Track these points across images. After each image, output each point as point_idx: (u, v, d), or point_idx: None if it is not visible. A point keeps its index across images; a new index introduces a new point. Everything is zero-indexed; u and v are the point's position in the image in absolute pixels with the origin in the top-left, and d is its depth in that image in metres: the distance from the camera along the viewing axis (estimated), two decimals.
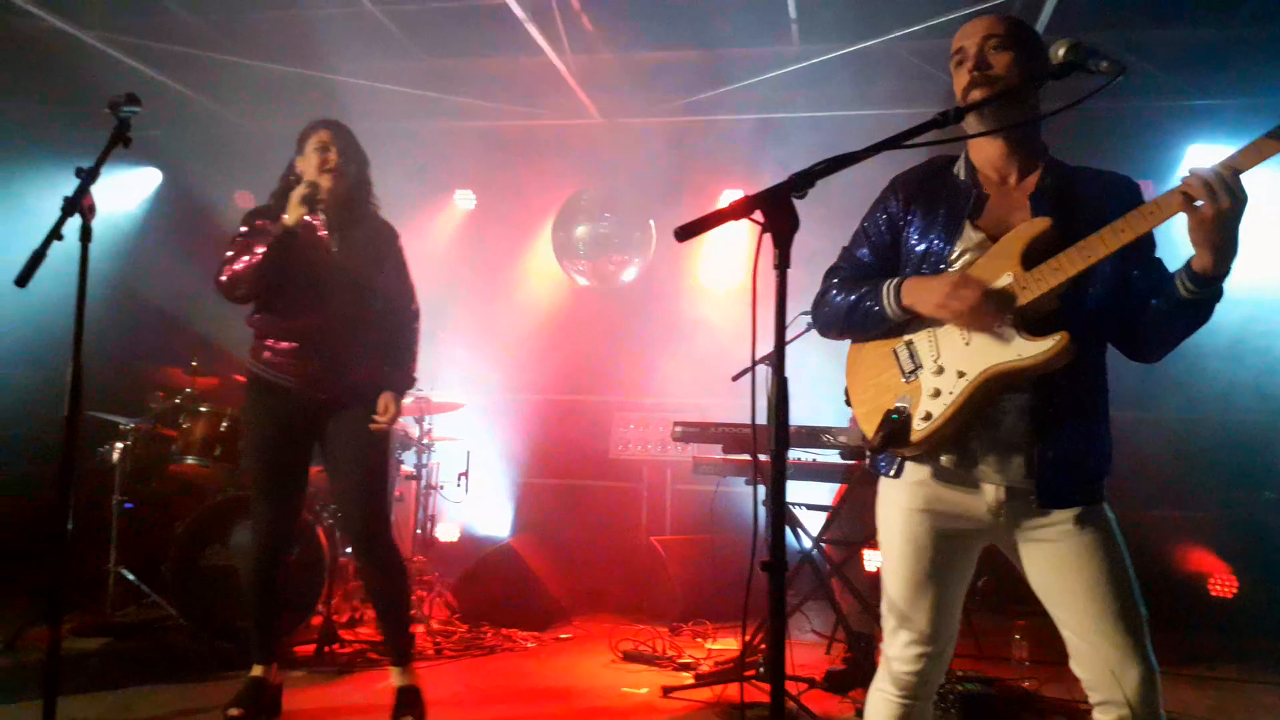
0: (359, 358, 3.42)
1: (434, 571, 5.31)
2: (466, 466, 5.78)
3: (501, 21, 5.20)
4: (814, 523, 4.51)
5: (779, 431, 1.44)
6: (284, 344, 3.36)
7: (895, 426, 1.94)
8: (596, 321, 6.68)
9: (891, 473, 2.05)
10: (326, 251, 3.40)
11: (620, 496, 6.58)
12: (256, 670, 3.37)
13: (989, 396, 1.91)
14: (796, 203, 1.57)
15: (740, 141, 6.18)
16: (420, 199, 6.63)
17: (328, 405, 3.39)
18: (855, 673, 3.95)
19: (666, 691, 3.86)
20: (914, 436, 1.94)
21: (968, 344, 1.93)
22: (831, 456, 4.42)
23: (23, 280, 2.02)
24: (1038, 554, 1.96)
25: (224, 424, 4.67)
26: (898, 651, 2.03)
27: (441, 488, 5.69)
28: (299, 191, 3.24)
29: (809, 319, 4.14)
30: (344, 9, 5.34)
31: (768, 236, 1.53)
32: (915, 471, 2.02)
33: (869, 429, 2.01)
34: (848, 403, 2.14)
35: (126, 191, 7.09)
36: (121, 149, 2.34)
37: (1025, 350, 1.86)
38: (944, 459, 1.97)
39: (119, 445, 4.78)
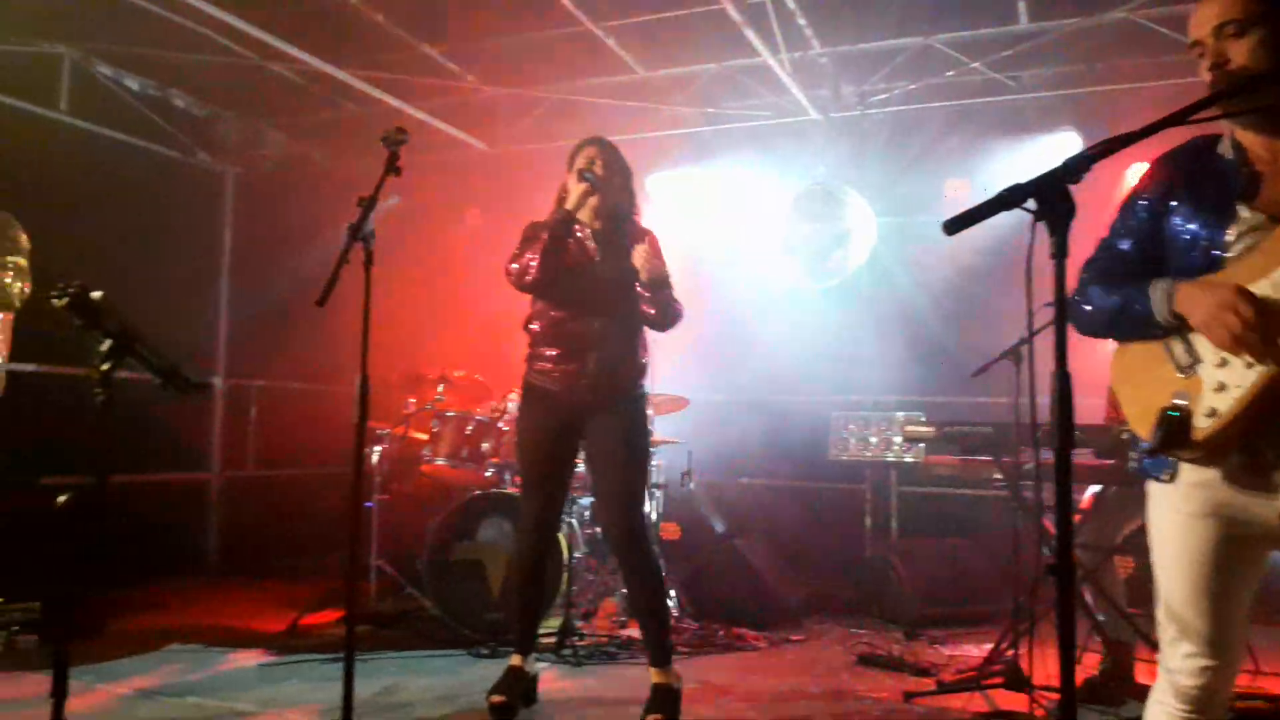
0: (622, 361, 3.53)
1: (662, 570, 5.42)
2: (688, 465, 5.86)
3: (716, 27, 5.27)
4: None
5: (1063, 430, 1.38)
6: (551, 350, 3.53)
7: (1174, 425, 1.78)
8: (816, 319, 6.60)
9: (1164, 477, 1.89)
10: (591, 261, 3.56)
11: (841, 498, 6.49)
12: (515, 660, 3.54)
13: None
14: None
15: (963, 127, 5.95)
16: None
17: (591, 408, 3.49)
18: (1110, 684, 3.73)
19: (908, 697, 3.77)
20: (1197, 435, 1.78)
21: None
22: (1080, 455, 4.16)
23: (322, 301, 2.23)
24: None
25: (470, 428, 4.97)
26: (1179, 664, 1.89)
27: (665, 486, 5.80)
28: (576, 182, 3.44)
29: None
30: (566, 29, 5.55)
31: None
32: (1193, 474, 1.85)
33: (1142, 430, 1.86)
34: (1112, 404, 2.01)
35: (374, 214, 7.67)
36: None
37: None
38: (1233, 459, 1.79)
39: (376, 449, 5.18)
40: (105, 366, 2.10)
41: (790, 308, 6.74)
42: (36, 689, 3.61)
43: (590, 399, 3.49)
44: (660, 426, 5.70)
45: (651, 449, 3.66)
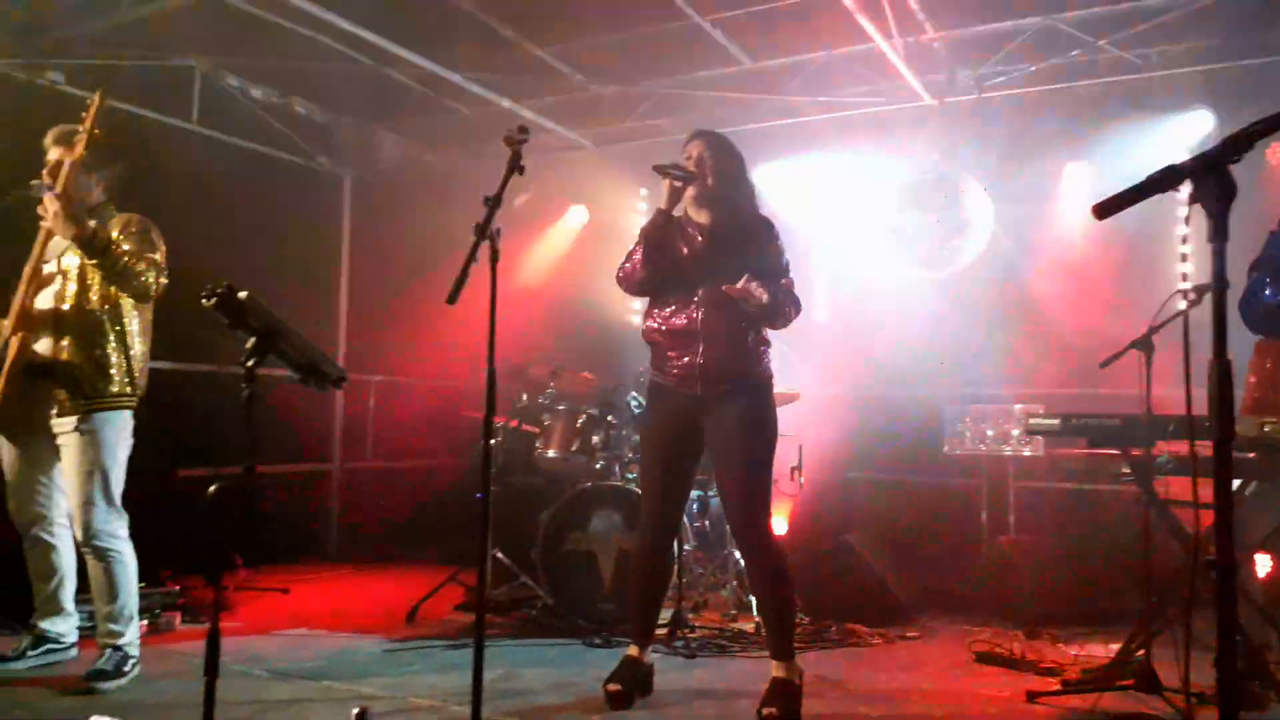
0: (734, 352, 3.49)
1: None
2: (799, 461, 5.80)
3: (825, 14, 5.19)
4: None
5: (1223, 420, 1.31)
6: (665, 347, 3.55)
7: None
8: (930, 310, 6.45)
9: None
10: (696, 255, 3.54)
11: (955, 493, 6.33)
12: (632, 650, 3.58)
13: None
14: None
15: (1086, 108, 5.72)
16: None
17: (706, 400, 3.48)
18: (1252, 687, 3.54)
19: (1031, 696, 3.66)
20: None
21: None
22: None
23: (452, 299, 2.29)
24: None
25: (580, 421, 5.04)
26: None
27: (775, 481, 5.74)
28: (666, 181, 3.47)
29: (1186, 300, 3.78)
30: (672, 23, 5.55)
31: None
32: None
33: None
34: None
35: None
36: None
37: None
38: None
39: (491, 441, 5.28)
40: (250, 362, 2.20)
41: (904, 299, 6.60)
42: (178, 666, 3.85)
43: (703, 390, 3.47)
44: None
45: (774, 438, 3.57)
